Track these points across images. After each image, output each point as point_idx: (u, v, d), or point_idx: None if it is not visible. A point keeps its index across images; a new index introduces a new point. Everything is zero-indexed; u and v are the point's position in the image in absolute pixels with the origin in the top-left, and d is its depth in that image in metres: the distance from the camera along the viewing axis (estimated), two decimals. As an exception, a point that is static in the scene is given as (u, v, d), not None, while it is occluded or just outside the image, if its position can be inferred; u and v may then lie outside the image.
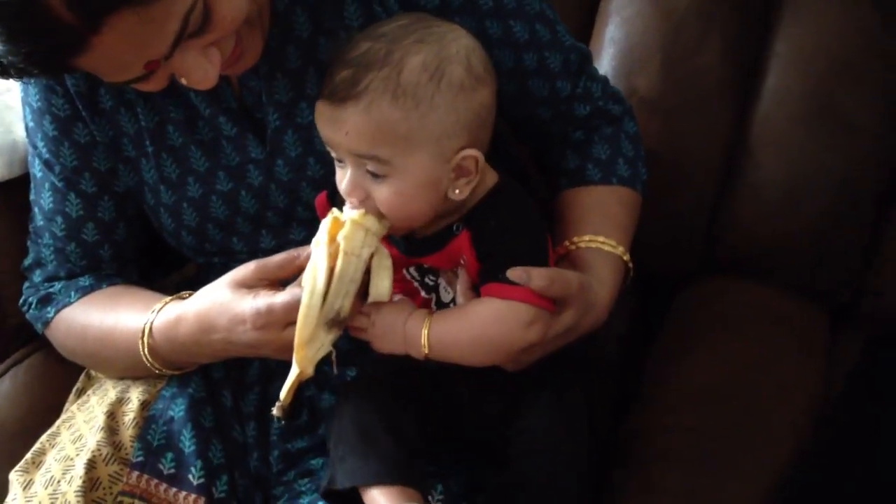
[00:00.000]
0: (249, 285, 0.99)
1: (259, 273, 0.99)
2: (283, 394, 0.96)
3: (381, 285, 0.96)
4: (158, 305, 1.06)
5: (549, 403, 1.02)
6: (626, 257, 1.11)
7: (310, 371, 0.94)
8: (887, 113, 1.32)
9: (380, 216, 0.95)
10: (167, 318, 1.04)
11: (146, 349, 1.06)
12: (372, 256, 0.95)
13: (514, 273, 0.94)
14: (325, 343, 0.94)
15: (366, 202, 0.95)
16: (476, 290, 0.98)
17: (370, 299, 0.96)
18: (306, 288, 0.92)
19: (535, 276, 0.95)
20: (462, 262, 0.98)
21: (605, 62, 1.39)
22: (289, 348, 0.94)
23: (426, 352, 0.97)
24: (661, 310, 1.36)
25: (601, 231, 1.10)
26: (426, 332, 0.96)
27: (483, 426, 1.04)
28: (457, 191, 0.96)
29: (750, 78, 1.36)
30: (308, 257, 0.95)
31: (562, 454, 1.00)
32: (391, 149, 0.93)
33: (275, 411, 0.97)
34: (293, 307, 0.93)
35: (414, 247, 1.00)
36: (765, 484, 1.09)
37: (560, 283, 0.97)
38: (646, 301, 1.39)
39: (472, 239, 0.97)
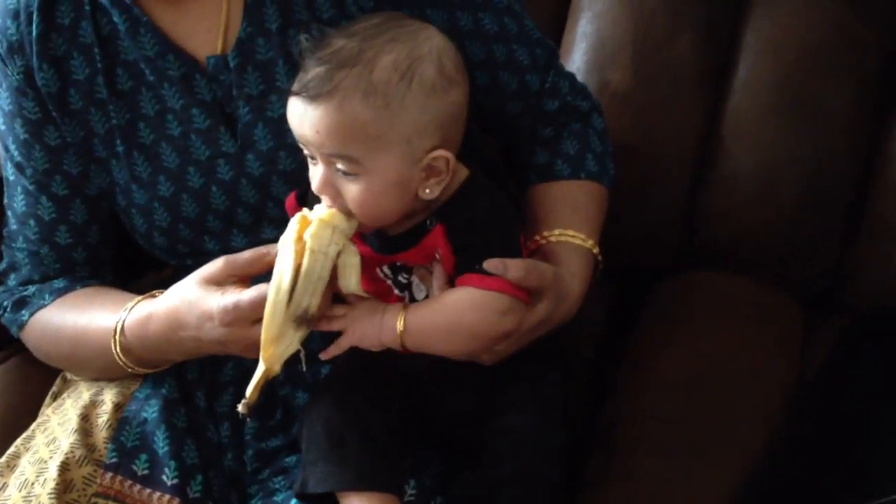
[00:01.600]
0: (218, 282, 0.99)
1: (228, 269, 0.99)
2: (249, 391, 0.96)
3: (350, 283, 0.96)
4: (130, 304, 1.07)
5: (524, 399, 1.03)
6: (596, 250, 1.12)
7: (276, 369, 0.95)
8: (859, 101, 1.32)
9: (349, 214, 0.95)
10: (138, 316, 1.05)
11: (118, 347, 1.06)
12: (339, 254, 0.95)
13: (490, 264, 0.95)
14: (293, 341, 0.94)
15: (336, 200, 0.96)
16: (452, 285, 0.98)
17: (322, 298, 0.95)
18: (273, 285, 0.92)
19: (512, 267, 0.96)
20: (437, 256, 0.98)
21: (577, 57, 1.39)
22: (257, 345, 0.94)
23: (402, 341, 0.97)
24: (638, 302, 1.36)
25: (571, 225, 1.11)
26: (402, 320, 0.96)
27: (457, 422, 1.05)
28: (427, 190, 0.97)
29: (721, 70, 1.37)
30: (273, 253, 0.96)
31: (537, 452, 1.00)
32: (361, 148, 0.93)
33: (240, 408, 0.97)
34: (260, 303, 0.93)
35: (387, 244, 1.01)
36: (738, 471, 1.09)
37: (535, 274, 0.98)
38: (622, 294, 1.40)
39: (447, 232, 0.97)
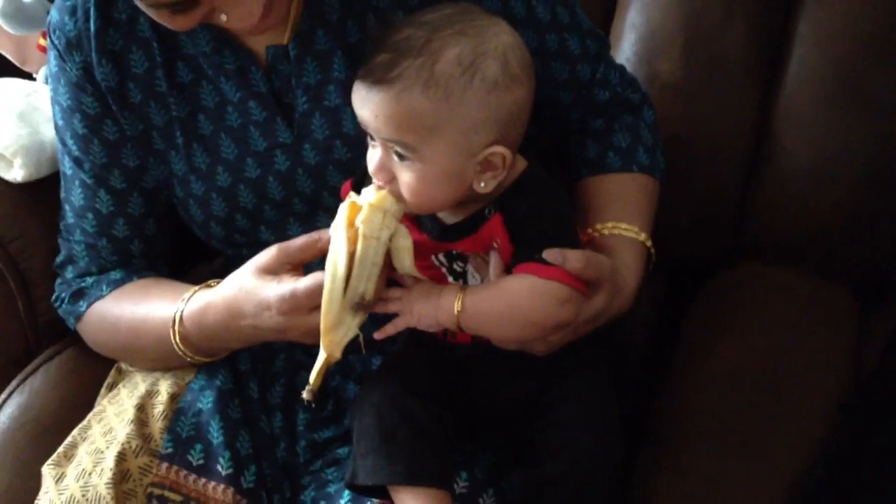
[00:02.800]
0: (273, 270, 0.99)
1: (281, 257, 0.99)
2: (312, 377, 0.97)
3: (404, 264, 0.96)
4: (188, 294, 1.08)
5: (577, 393, 1.02)
6: (649, 244, 1.11)
7: (337, 355, 0.95)
8: (914, 92, 1.31)
9: (399, 197, 0.95)
10: (197, 306, 1.06)
11: (177, 337, 1.07)
12: (392, 238, 0.95)
13: (549, 254, 0.95)
14: (351, 327, 0.95)
15: (391, 183, 0.96)
16: (509, 274, 0.98)
17: (398, 272, 0.96)
18: (328, 273, 0.92)
19: (571, 258, 0.95)
20: (495, 245, 0.98)
21: (626, 47, 1.38)
22: (315, 332, 0.94)
23: (459, 322, 0.96)
24: (689, 295, 1.35)
25: (624, 218, 1.10)
26: (460, 301, 0.96)
27: (509, 414, 1.05)
28: (482, 184, 0.97)
29: (774, 60, 1.35)
30: (327, 238, 0.96)
31: (592, 448, 1.00)
32: (417, 137, 0.93)
33: (305, 395, 0.98)
34: (316, 292, 0.94)
35: (444, 232, 1.01)
36: (793, 468, 1.08)
37: (594, 265, 0.97)
38: (673, 287, 1.39)
39: (505, 222, 0.97)
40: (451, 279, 1.02)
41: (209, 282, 1.09)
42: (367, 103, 0.94)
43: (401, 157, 0.94)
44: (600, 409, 1.01)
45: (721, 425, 1.13)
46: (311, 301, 0.95)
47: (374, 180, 0.97)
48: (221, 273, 1.22)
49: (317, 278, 0.95)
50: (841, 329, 1.27)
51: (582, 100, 1.16)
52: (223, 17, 0.97)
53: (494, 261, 0.99)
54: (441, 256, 1.02)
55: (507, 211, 0.97)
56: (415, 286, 0.99)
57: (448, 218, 1.01)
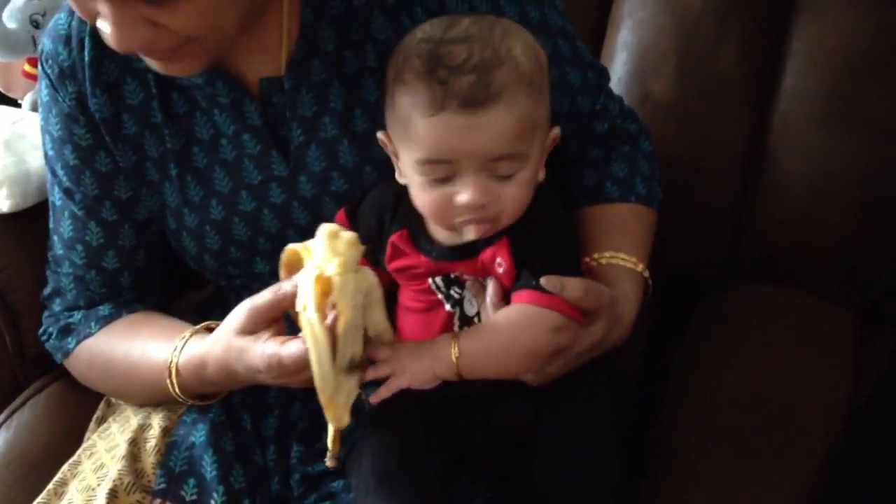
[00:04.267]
0: (251, 330, 0.97)
1: (253, 318, 0.97)
2: (329, 444, 0.95)
3: (377, 321, 0.92)
4: (180, 343, 1.05)
5: (577, 427, 1.01)
6: (646, 274, 1.10)
7: (346, 421, 0.92)
8: (910, 108, 1.30)
9: (356, 244, 0.90)
10: (193, 361, 1.04)
11: (177, 389, 1.06)
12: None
13: (548, 281, 0.94)
14: (351, 388, 0.92)
15: (490, 207, 0.94)
16: (507, 300, 0.97)
17: (367, 340, 0.92)
18: (312, 356, 0.88)
19: (570, 287, 0.95)
20: (498, 267, 0.97)
21: (619, 67, 1.37)
22: (311, 381, 0.90)
23: (459, 369, 0.95)
24: (686, 316, 1.34)
25: (622, 248, 1.09)
26: (456, 347, 0.94)
27: (504, 445, 1.03)
28: (541, 172, 0.98)
29: (768, 78, 1.35)
30: (290, 293, 0.92)
31: (593, 485, 0.98)
32: (526, 141, 0.94)
33: (328, 462, 0.96)
34: (302, 359, 0.90)
35: (444, 253, 0.99)
36: (796, 494, 1.07)
37: (593, 294, 0.97)
38: (670, 307, 1.38)
39: (511, 245, 0.96)
40: (447, 306, 1.01)
41: (197, 328, 1.07)
42: (474, 130, 0.91)
43: (503, 177, 0.93)
44: (601, 444, 1.00)
45: (721, 452, 1.12)
46: (298, 367, 0.92)
47: (468, 216, 0.94)
48: (211, 302, 1.22)
49: (299, 348, 0.91)
50: (839, 349, 1.27)
51: (581, 131, 1.16)
52: (100, 30, 0.93)
53: (492, 288, 0.98)
54: (438, 280, 1.01)
55: (514, 234, 0.96)
56: (402, 344, 0.96)
57: (449, 240, 0.99)
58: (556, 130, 0.99)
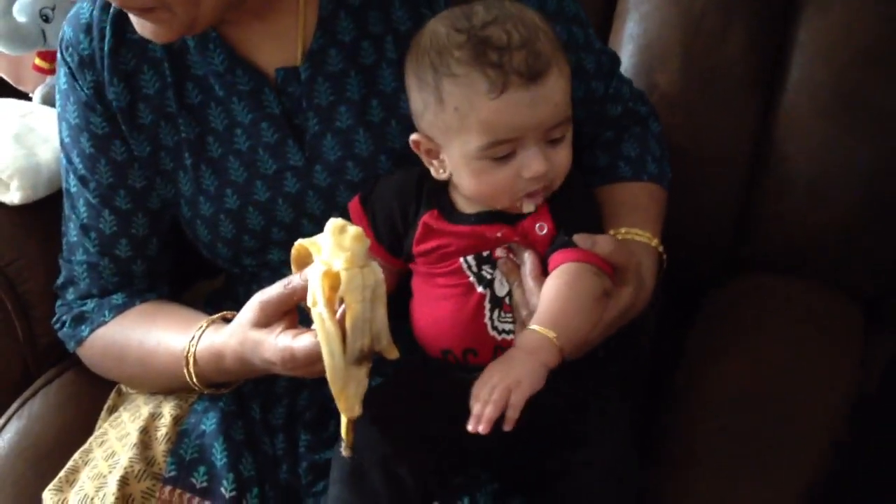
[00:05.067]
0: (264, 323, 0.98)
1: (265, 311, 0.98)
2: (343, 435, 0.96)
3: (379, 318, 0.92)
4: (196, 333, 1.06)
5: (597, 430, 1.01)
6: (661, 249, 1.12)
7: (357, 411, 0.93)
8: (915, 101, 1.30)
9: (362, 238, 0.90)
10: (210, 350, 1.05)
11: (195, 378, 1.06)
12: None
13: (580, 238, 0.99)
14: (361, 379, 0.92)
15: (548, 173, 0.98)
16: (544, 272, 0.99)
17: (373, 334, 0.91)
18: (324, 350, 0.89)
19: (601, 241, 1.00)
20: (540, 230, 1.00)
21: (625, 59, 1.37)
22: (324, 373, 0.91)
23: (563, 348, 0.95)
24: (689, 309, 1.34)
25: (636, 224, 1.11)
26: (548, 332, 0.95)
27: (517, 440, 1.01)
28: None
29: (774, 70, 1.34)
30: (300, 287, 0.94)
31: (614, 490, 0.99)
32: (569, 103, 0.99)
33: (343, 452, 0.97)
34: (314, 353, 0.92)
35: (487, 215, 1.01)
36: (799, 487, 1.08)
37: (621, 251, 1.01)
38: (674, 299, 1.38)
39: (551, 208, 1.00)
40: (479, 288, 1.01)
41: (214, 318, 1.08)
42: (539, 101, 0.95)
43: (557, 139, 0.98)
44: (621, 446, 1.00)
45: (726, 444, 1.12)
46: (311, 360, 0.93)
47: (536, 186, 0.98)
48: (222, 290, 1.23)
49: (311, 342, 0.92)
50: (844, 342, 1.27)
51: (595, 114, 1.17)
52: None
53: (531, 261, 1.00)
54: (470, 259, 1.01)
55: (552, 197, 1.00)
56: (491, 367, 0.95)
57: (483, 211, 1.01)
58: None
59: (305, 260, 0.94)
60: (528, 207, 1.00)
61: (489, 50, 0.94)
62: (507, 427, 0.91)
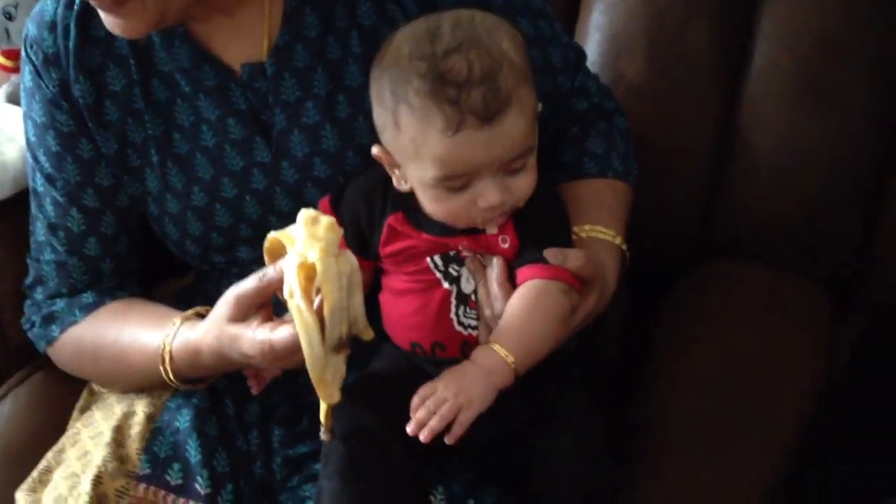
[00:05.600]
0: (240, 318, 0.98)
1: (240, 306, 0.97)
2: (322, 419, 0.96)
3: (356, 304, 0.92)
4: (171, 330, 1.06)
5: (568, 418, 1.02)
6: (624, 247, 1.13)
7: (336, 398, 0.93)
8: (877, 87, 1.31)
9: (334, 227, 0.91)
10: (186, 347, 1.04)
11: (171, 375, 1.06)
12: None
13: (550, 254, 0.98)
14: (338, 365, 0.93)
15: (506, 203, 0.97)
16: (511, 278, 0.99)
17: (350, 320, 0.92)
18: (303, 341, 0.89)
19: (572, 257, 0.99)
20: (503, 243, 1.00)
21: (591, 49, 1.38)
22: (303, 363, 0.91)
23: (517, 369, 0.95)
24: (657, 296, 1.35)
25: (600, 221, 1.11)
26: (505, 352, 0.95)
27: (490, 435, 1.02)
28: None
29: (737, 58, 1.36)
30: (276, 279, 0.94)
31: (588, 476, 0.99)
32: (534, 133, 0.97)
33: (322, 436, 0.98)
34: (293, 344, 0.92)
35: (446, 230, 1.01)
36: (766, 469, 1.09)
37: (591, 264, 1.01)
38: (641, 288, 1.39)
39: (514, 220, 0.99)
40: (445, 284, 1.02)
41: (188, 314, 1.07)
42: (495, 140, 0.93)
43: (515, 170, 0.96)
44: (589, 432, 1.01)
45: (695, 430, 1.14)
46: (289, 351, 0.93)
47: (490, 215, 0.97)
48: (192, 290, 1.23)
49: (289, 333, 0.92)
50: (812, 327, 1.28)
51: (561, 109, 1.17)
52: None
53: (499, 267, 1.00)
54: (437, 259, 1.02)
55: (517, 214, 0.99)
56: (443, 377, 0.96)
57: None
58: (539, 103, 1.00)
59: (278, 252, 0.95)
60: (490, 229, 1.00)
61: (447, 85, 0.92)
62: (450, 442, 0.93)
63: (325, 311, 0.89)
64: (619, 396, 1.23)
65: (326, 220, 0.91)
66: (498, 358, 0.95)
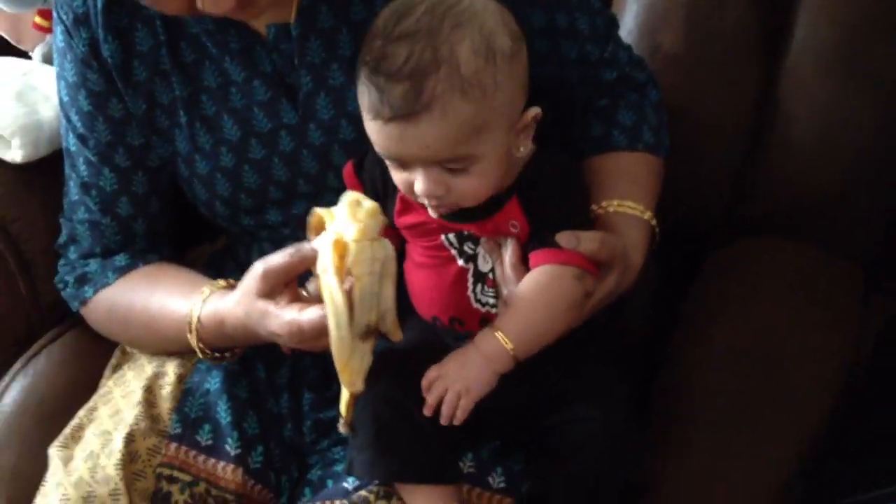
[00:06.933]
0: (268, 293, 0.97)
1: (268, 280, 0.97)
2: (342, 411, 0.96)
3: (387, 297, 0.93)
4: (199, 299, 1.06)
5: (591, 389, 1.02)
6: (654, 222, 1.11)
7: (360, 385, 0.93)
8: (920, 62, 1.30)
9: (377, 214, 0.91)
10: (214, 317, 1.04)
11: (199, 343, 1.06)
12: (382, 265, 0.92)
13: (563, 238, 0.95)
14: (365, 353, 0.93)
15: (445, 197, 0.94)
16: (524, 261, 0.98)
17: (380, 311, 0.92)
18: (331, 321, 0.89)
19: (585, 240, 0.96)
20: (513, 228, 0.98)
21: (629, 20, 1.36)
22: (328, 347, 0.91)
23: (517, 355, 0.95)
24: (689, 270, 1.34)
25: (629, 196, 1.10)
26: (504, 338, 0.95)
27: (515, 408, 1.03)
28: (521, 148, 0.97)
29: (778, 31, 1.33)
30: (309, 255, 0.93)
31: (609, 445, 0.99)
32: (470, 143, 0.92)
33: (341, 429, 0.98)
34: (320, 325, 0.91)
35: (455, 213, 0.99)
36: (795, 445, 1.09)
37: (607, 247, 0.98)
38: (675, 261, 1.38)
39: (522, 204, 0.97)
40: (461, 262, 1.01)
41: (218, 282, 1.08)
42: (408, 139, 0.91)
43: (456, 170, 0.93)
44: (614, 403, 1.01)
45: (722, 403, 1.13)
46: (317, 332, 0.93)
47: (427, 202, 0.95)
48: (224, 252, 1.23)
49: (318, 314, 0.92)
50: (843, 305, 1.27)
51: (589, 79, 1.16)
52: (199, 2, 0.94)
53: (511, 248, 0.98)
54: (451, 237, 1.01)
55: (523, 194, 0.97)
56: (447, 360, 0.96)
57: None
58: (535, 110, 0.96)
59: (321, 229, 0.94)
60: (432, 213, 0.98)
61: (379, 74, 0.90)
62: (457, 422, 0.95)
63: (356, 295, 0.89)
64: (646, 369, 1.22)
65: (370, 205, 0.91)
66: (498, 344, 0.95)
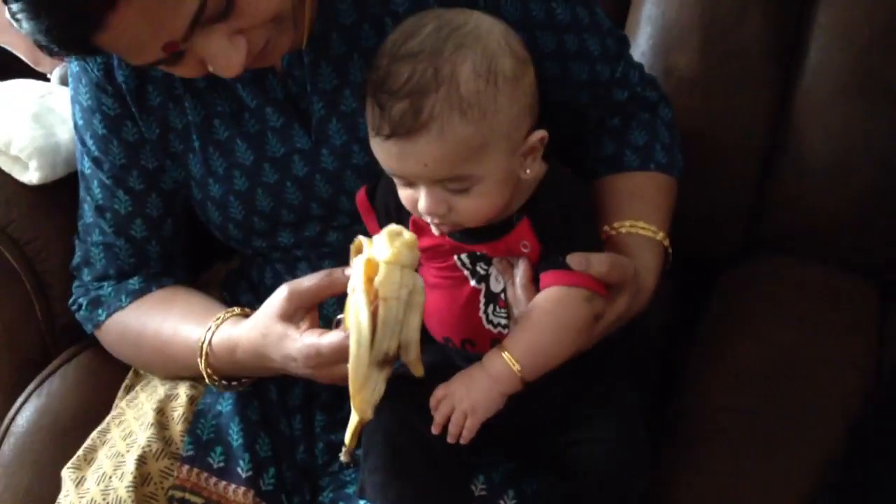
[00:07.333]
0: (290, 316, 0.98)
1: (294, 302, 0.97)
2: (347, 438, 0.96)
3: (411, 328, 0.92)
4: (213, 325, 1.06)
5: (604, 406, 1.01)
6: (667, 243, 1.11)
7: (369, 414, 0.93)
8: (935, 83, 1.29)
9: (413, 246, 0.91)
10: (225, 344, 1.05)
11: (209, 369, 1.07)
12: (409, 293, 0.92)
13: (573, 259, 0.95)
14: (378, 383, 0.92)
15: (447, 216, 0.95)
16: (536, 281, 0.97)
17: (402, 341, 0.92)
18: (353, 338, 0.89)
19: (595, 262, 0.96)
20: (524, 248, 0.98)
21: (643, 41, 1.37)
22: (343, 379, 0.92)
23: (524, 377, 0.95)
24: (706, 289, 1.34)
25: (641, 217, 1.10)
26: (511, 360, 0.95)
27: (530, 426, 1.03)
28: (528, 170, 0.96)
29: (791, 51, 1.34)
30: (340, 281, 0.94)
31: (623, 463, 0.99)
32: (470, 163, 0.92)
33: (342, 457, 0.98)
34: (340, 350, 0.92)
35: (466, 235, 0.99)
36: (813, 465, 1.08)
37: (618, 268, 0.98)
38: (690, 280, 1.38)
39: (533, 226, 0.97)
40: (473, 282, 1.01)
41: (233, 309, 1.08)
42: (407, 157, 0.92)
43: (457, 189, 0.93)
44: (628, 422, 1.00)
45: (741, 422, 1.13)
46: (336, 357, 0.93)
47: (430, 220, 0.96)
48: (238, 273, 1.24)
49: (340, 337, 0.93)
50: (861, 323, 1.27)
51: (600, 99, 1.16)
52: (210, 68, 0.95)
53: (523, 269, 0.98)
54: (464, 257, 1.01)
55: (535, 214, 0.97)
56: (453, 381, 0.96)
57: None
58: (541, 133, 0.96)
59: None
60: (434, 231, 0.98)
61: (382, 91, 0.91)
62: (464, 441, 0.96)
63: (379, 318, 0.89)
64: (661, 390, 1.22)
65: (409, 237, 0.91)
66: (505, 366, 0.95)
